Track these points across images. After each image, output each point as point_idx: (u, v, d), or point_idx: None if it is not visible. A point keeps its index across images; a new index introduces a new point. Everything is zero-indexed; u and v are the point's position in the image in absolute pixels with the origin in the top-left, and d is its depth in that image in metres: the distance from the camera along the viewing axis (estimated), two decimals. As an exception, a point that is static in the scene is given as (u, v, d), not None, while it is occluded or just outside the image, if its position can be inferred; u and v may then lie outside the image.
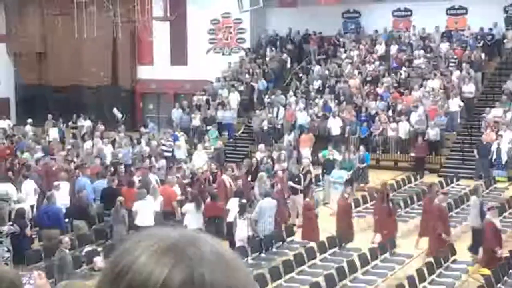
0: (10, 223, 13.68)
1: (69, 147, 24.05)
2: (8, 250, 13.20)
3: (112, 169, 19.14)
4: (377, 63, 28.90)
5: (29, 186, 16.83)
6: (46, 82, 36.50)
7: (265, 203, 15.07)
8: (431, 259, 13.31)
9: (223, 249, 1.18)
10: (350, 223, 15.83)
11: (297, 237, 15.67)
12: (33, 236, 14.85)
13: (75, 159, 20.40)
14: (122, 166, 19.23)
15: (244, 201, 15.20)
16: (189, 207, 15.37)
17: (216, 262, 1.13)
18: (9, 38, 36.91)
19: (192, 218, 15.09)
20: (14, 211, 14.68)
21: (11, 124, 30.02)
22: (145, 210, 15.00)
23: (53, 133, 26.99)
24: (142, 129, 26.88)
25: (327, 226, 16.48)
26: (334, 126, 25.58)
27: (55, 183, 16.46)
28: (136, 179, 17.85)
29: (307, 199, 16.39)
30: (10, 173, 19.09)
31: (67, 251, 12.23)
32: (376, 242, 15.03)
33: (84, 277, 12.64)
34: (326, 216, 17.89)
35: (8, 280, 3.15)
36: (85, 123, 28.36)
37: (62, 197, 16.05)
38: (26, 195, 16.38)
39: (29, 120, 28.69)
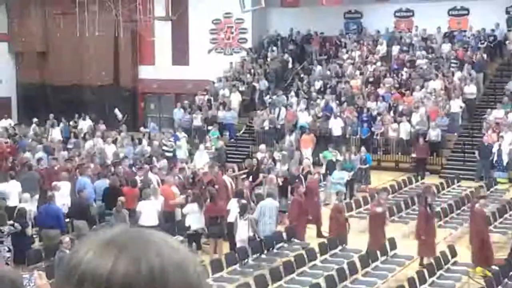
0: (11, 222, 13.68)
1: (70, 146, 24.08)
2: (9, 250, 13.20)
3: (113, 169, 19.15)
4: (378, 63, 28.89)
5: (13, 187, 16.76)
6: (47, 82, 36.52)
7: (265, 203, 15.06)
8: (431, 260, 13.31)
9: (168, 236, 1.25)
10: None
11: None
12: (34, 236, 14.86)
13: (76, 159, 20.39)
14: (120, 167, 19.20)
15: (244, 201, 15.18)
16: (192, 207, 15.37)
17: (161, 246, 1.19)
18: (11, 37, 36.94)
19: (194, 218, 15.09)
20: (16, 211, 14.67)
21: (13, 123, 30.01)
22: (149, 210, 15.02)
23: (55, 133, 27.00)
24: (142, 129, 26.88)
25: (328, 227, 16.51)
26: (336, 126, 25.57)
27: (56, 183, 16.45)
28: (137, 179, 17.84)
29: (336, 202, 16.16)
30: (11, 172, 19.08)
31: (67, 251, 12.23)
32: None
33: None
34: (327, 217, 17.92)
35: (8, 280, 3.16)
36: (86, 123, 28.36)
37: (63, 197, 16.06)
38: (9, 194, 16.37)
39: (35, 120, 28.58)
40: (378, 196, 15.94)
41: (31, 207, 15.59)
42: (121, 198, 15.27)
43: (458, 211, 17.87)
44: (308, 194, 16.85)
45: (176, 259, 1.19)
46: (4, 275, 3.22)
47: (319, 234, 16.50)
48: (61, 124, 28.01)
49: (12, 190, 16.71)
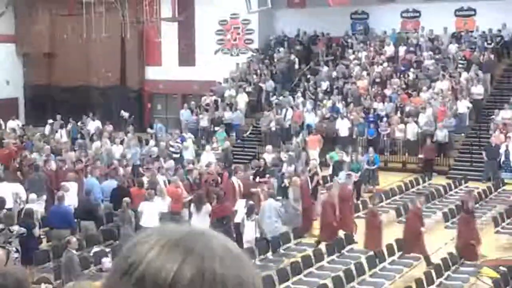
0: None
1: (77, 147, 24.10)
2: (17, 251, 13.22)
3: (121, 169, 19.18)
4: (385, 64, 28.85)
5: (3, 190, 16.74)
6: (54, 83, 36.60)
7: (264, 203, 15.07)
8: (439, 261, 13.28)
9: (230, 243, 1.20)
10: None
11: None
12: (41, 236, 14.89)
13: (83, 159, 20.42)
14: (129, 168, 19.25)
15: (251, 202, 15.18)
16: (192, 208, 15.47)
17: (224, 256, 1.15)
18: (18, 39, 37.05)
19: (194, 219, 15.12)
20: (23, 211, 14.70)
21: (20, 124, 30.06)
22: (150, 211, 15.01)
23: (62, 134, 27.03)
24: (149, 130, 26.91)
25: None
26: (342, 127, 25.54)
27: (64, 183, 16.48)
28: (145, 179, 17.87)
29: (371, 205, 15.83)
30: (19, 173, 19.15)
31: (74, 251, 12.25)
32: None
33: (92, 278, 12.68)
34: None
35: (13, 278, 3.16)
36: (94, 124, 28.40)
37: (70, 198, 16.08)
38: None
39: (50, 121, 28.52)
40: (416, 199, 15.53)
41: (38, 207, 15.63)
42: (126, 199, 15.28)
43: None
44: (341, 200, 16.34)
45: (238, 272, 1.15)
46: (8, 273, 3.23)
47: (351, 240, 15.83)
48: (69, 125, 28.03)
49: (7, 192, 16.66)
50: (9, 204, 16.05)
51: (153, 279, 1.09)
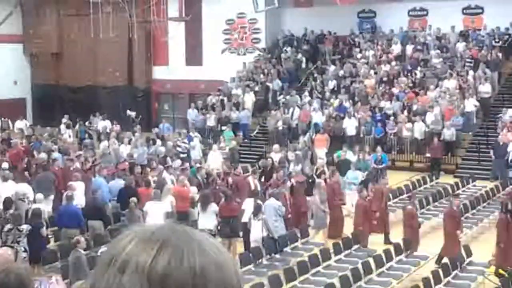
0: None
1: (84, 147, 24.17)
2: (25, 250, 13.29)
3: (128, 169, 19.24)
4: (392, 63, 28.80)
5: (8, 189, 16.78)
6: (62, 83, 36.74)
7: (266, 203, 15.07)
8: (446, 261, 13.26)
9: (212, 238, 1.26)
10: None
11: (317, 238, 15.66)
12: (49, 236, 14.94)
13: (90, 159, 20.48)
14: (139, 167, 19.33)
15: (259, 201, 15.18)
16: (199, 207, 15.50)
17: (205, 247, 1.21)
18: (25, 39, 37.19)
19: (201, 218, 15.14)
20: (31, 211, 14.77)
21: (28, 124, 30.14)
22: (156, 211, 15.02)
23: (70, 133, 27.12)
24: (155, 129, 26.93)
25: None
26: (350, 126, 25.51)
27: (70, 183, 16.53)
28: (150, 179, 17.91)
29: (410, 206, 15.33)
30: (26, 173, 19.22)
31: (82, 251, 12.29)
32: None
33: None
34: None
35: (14, 276, 3.17)
36: (101, 123, 28.45)
37: (77, 198, 16.12)
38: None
39: (64, 120, 28.48)
40: (452, 200, 15.27)
41: (45, 207, 15.68)
42: (134, 199, 15.30)
43: (473, 211, 17.78)
44: (374, 199, 16.30)
45: (218, 259, 1.20)
46: (10, 270, 3.24)
47: (387, 241, 15.78)
48: (77, 125, 28.08)
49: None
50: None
51: (134, 266, 1.17)
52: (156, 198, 15.37)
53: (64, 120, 28.68)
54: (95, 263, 11.19)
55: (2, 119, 30.16)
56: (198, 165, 20.36)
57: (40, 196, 15.79)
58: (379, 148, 22.56)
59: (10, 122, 29.95)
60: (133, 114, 30.08)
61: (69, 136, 26.84)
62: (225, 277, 1.20)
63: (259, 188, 17.66)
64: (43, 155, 20.97)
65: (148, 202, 15.31)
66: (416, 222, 15.00)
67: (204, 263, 1.18)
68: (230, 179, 18.30)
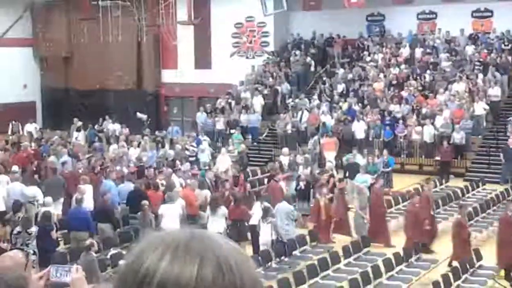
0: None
1: (94, 150, 24.22)
2: (34, 253, 13.31)
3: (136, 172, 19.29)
4: (401, 66, 28.75)
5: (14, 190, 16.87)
6: (71, 86, 36.88)
7: (277, 207, 15.05)
8: (456, 264, 13.20)
9: (232, 243, 1.23)
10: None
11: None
12: (59, 239, 14.98)
13: (98, 162, 20.54)
14: (152, 169, 19.39)
15: (267, 204, 15.17)
16: (208, 210, 15.52)
17: (236, 256, 1.18)
18: (35, 43, 37.35)
19: (211, 221, 15.16)
20: (40, 214, 14.81)
21: (38, 128, 30.22)
22: (171, 214, 15.07)
23: (80, 136, 27.19)
24: (157, 133, 26.82)
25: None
26: (359, 129, 25.47)
27: (79, 186, 16.58)
28: (159, 182, 17.95)
29: (459, 216, 14.69)
30: (36, 176, 19.28)
31: (94, 254, 12.32)
32: None
33: (109, 280, 12.73)
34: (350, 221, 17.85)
35: (4, 283, 3.17)
36: (111, 127, 28.50)
37: (85, 201, 16.16)
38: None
39: (79, 123, 28.48)
40: (509, 206, 14.58)
41: (55, 210, 15.73)
42: (145, 202, 15.33)
43: (483, 214, 17.70)
44: (423, 204, 15.61)
45: (251, 271, 1.19)
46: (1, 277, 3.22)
47: (427, 250, 15.11)
48: (88, 128, 28.13)
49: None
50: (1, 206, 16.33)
51: (175, 285, 1.10)
52: (170, 201, 15.39)
53: (78, 123, 28.63)
54: (104, 266, 11.14)
55: (13, 122, 30.27)
56: (206, 167, 20.40)
57: (49, 199, 15.83)
58: (385, 151, 22.53)
59: (20, 126, 30.05)
60: (143, 116, 30.08)
61: (75, 139, 26.88)
62: (257, 286, 1.19)
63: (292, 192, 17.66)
64: (52, 158, 21.04)
65: (162, 205, 15.35)
66: (465, 233, 14.16)
67: (243, 277, 1.15)
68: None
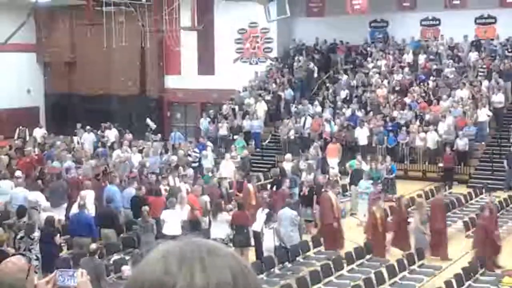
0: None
1: (97, 156, 24.20)
2: (37, 258, 13.32)
3: (138, 178, 19.28)
4: (405, 72, 28.75)
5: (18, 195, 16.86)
6: (75, 91, 36.95)
7: (280, 213, 15.02)
8: (459, 271, 13.17)
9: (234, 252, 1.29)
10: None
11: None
12: (62, 244, 14.98)
13: (103, 168, 20.54)
14: (154, 176, 19.40)
15: (269, 210, 15.14)
16: (211, 216, 15.52)
17: (245, 266, 1.23)
18: (39, 48, 37.44)
19: (213, 227, 15.15)
20: (43, 220, 14.80)
21: (46, 133, 30.11)
22: (173, 219, 15.06)
23: (86, 141, 27.17)
24: (152, 137, 26.73)
25: (354, 237, 16.43)
26: (362, 136, 25.46)
27: (81, 192, 16.58)
28: (162, 187, 17.95)
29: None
30: (39, 181, 19.28)
31: (98, 258, 12.33)
32: None
33: (112, 286, 12.74)
34: (354, 227, 17.86)
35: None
36: (112, 132, 28.50)
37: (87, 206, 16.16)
38: None
39: (88, 127, 28.51)
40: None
41: (58, 215, 15.73)
42: (146, 208, 15.32)
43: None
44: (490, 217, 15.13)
45: (255, 279, 1.25)
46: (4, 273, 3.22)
47: (495, 265, 14.59)
48: (92, 134, 28.13)
49: None
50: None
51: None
52: (172, 207, 15.38)
53: (88, 127, 28.58)
54: (108, 271, 11.13)
55: (20, 127, 30.26)
56: (210, 174, 20.41)
57: (47, 205, 15.83)
58: (388, 158, 22.51)
59: (27, 131, 30.03)
60: (151, 124, 30.01)
61: (78, 143, 26.85)
62: None
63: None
64: (56, 164, 21.06)
65: (164, 210, 15.34)
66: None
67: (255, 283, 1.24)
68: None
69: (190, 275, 1.15)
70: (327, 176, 19.37)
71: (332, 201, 15.90)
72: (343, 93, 28.81)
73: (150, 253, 1.23)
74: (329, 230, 15.69)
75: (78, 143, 26.84)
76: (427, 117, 25.68)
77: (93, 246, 12.54)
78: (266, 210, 15.12)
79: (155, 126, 30.17)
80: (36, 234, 13.47)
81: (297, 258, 14.54)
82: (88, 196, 16.57)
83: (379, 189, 17.83)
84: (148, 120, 30.49)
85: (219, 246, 1.25)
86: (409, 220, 15.85)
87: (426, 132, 24.89)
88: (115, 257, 14.20)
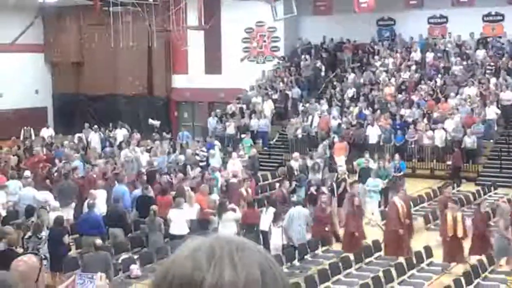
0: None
1: (105, 155, 24.25)
2: (45, 258, 13.35)
3: (145, 177, 19.29)
4: (412, 70, 28.68)
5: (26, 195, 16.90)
6: (82, 91, 37.06)
7: (293, 211, 14.99)
8: (468, 269, 13.13)
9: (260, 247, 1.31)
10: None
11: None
12: (70, 243, 15.02)
13: (109, 167, 20.57)
14: (165, 176, 19.44)
15: (278, 209, 15.15)
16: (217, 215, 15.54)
17: (266, 262, 1.25)
18: (46, 48, 37.56)
19: (220, 226, 15.16)
20: (52, 219, 14.84)
21: (54, 134, 30.20)
22: (180, 219, 15.06)
23: (93, 141, 27.23)
24: (154, 135, 26.74)
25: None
26: (372, 134, 25.41)
27: (91, 191, 16.62)
28: (185, 187, 17.89)
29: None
30: (47, 181, 19.34)
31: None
32: None
33: (121, 284, 12.77)
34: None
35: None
36: (121, 132, 28.56)
37: (98, 206, 16.19)
38: None
39: (95, 127, 28.55)
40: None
41: (66, 215, 15.77)
42: (154, 207, 15.33)
43: (495, 219, 17.58)
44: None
45: (283, 275, 1.29)
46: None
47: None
48: (100, 133, 28.19)
49: None
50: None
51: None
52: (179, 206, 15.38)
53: (95, 127, 28.64)
54: (116, 271, 11.16)
55: (25, 128, 30.39)
56: (218, 172, 20.41)
57: (56, 204, 15.88)
58: (397, 156, 22.45)
59: (32, 131, 30.13)
60: (156, 123, 30.09)
61: (86, 143, 26.89)
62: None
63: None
64: (64, 163, 21.11)
65: (171, 210, 15.35)
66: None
67: (284, 280, 1.29)
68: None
69: (219, 271, 1.16)
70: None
71: (398, 207, 15.30)
72: (350, 92, 28.78)
73: (179, 248, 1.24)
74: (393, 236, 15.03)
75: (87, 143, 26.89)
76: (435, 115, 25.61)
77: (98, 241, 12.59)
78: (271, 209, 15.11)
79: (159, 122, 30.21)
80: (44, 233, 13.52)
81: (305, 257, 14.53)
82: (100, 195, 16.61)
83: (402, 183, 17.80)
84: (151, 120, 30.56)
85: (248, 242, 1.26)
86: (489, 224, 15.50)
87: (433, 130, 24.82)
88: (124, 256, 14.22)
